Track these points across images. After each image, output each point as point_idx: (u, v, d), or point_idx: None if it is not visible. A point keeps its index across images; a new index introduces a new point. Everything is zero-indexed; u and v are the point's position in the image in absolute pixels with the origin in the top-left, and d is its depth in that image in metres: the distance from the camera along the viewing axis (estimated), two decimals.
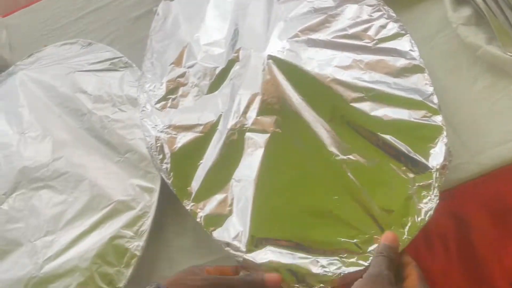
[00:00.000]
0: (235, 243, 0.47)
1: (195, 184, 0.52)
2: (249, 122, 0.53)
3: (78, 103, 0.66)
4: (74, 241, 0.53)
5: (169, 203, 0.54)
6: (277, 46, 0.57)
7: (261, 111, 0.53)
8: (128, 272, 0.50)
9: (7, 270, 0.53)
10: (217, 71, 0.58)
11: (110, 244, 0.52)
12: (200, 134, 0.55)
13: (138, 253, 0.51)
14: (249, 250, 0.46)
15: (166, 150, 0.55)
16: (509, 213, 0.49)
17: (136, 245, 0.51)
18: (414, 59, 0.55)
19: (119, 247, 0.51)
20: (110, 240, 0.52)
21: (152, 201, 0.54)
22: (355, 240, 0.45)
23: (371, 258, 0.43)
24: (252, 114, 0.53)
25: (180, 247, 0.53)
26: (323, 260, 0.44)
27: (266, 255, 0.46)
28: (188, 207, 0.51)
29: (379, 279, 0.38)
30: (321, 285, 0.44)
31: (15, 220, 0.57)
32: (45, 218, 0.56)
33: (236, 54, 0.58)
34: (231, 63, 0.58)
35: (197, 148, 0.54)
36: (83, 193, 0.56)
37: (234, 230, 0.48)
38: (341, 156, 0.49)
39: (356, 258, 0.44)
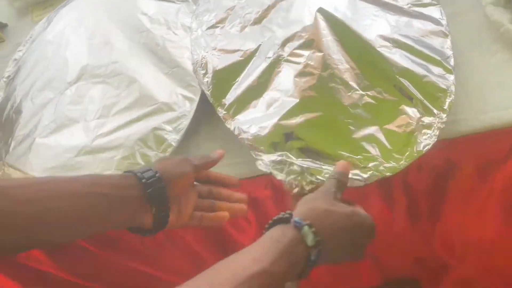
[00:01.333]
0: (255, 144, 0.55)
1: (229, 97, 0.60)
2: (285, 54, 0.61)
3: (138, 22, 0.75)
4: (122, 125, 0.63)
5: (205, 115, 0.63)
6: None
7: (298, 46, 0.61)
8: None
9: (66, 138, 0.63)
10: (264, 6, 0.66)
11: (152, 133, 0.61)
12: (240, 58, 0.63)
13: (174, 144, 0.60)
14: (267, 151, 0.54)
15: (210, 67, 0.63)
16: (490, 167, 0.56)
17: (173, 138, 0.61)
18: (441, 25, 0.62)
19: (159, 136, 0.61)
20: (153, 130, 0.61)
21: (191, 107, 0.63)
22: (358, 157, 0.52)
23: (370, 172, 0.51)
24: (288, 47, 0.61)
25: (209, 148, 0.62)
26: (329, 168, 0.52)
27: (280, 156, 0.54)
28: (220, 115, 0.59)
29: (326, 194, 0.44)
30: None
31: (76, 103, 0.67)
32: (100, 105, 0.66)
33: None
34: (277, 2, 0.65)
35: (236, 69, 0.62)
36: (134, 91, 0.66)
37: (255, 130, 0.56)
38: (360, 92, 0.56)
39: (358, 170, 0.52)
